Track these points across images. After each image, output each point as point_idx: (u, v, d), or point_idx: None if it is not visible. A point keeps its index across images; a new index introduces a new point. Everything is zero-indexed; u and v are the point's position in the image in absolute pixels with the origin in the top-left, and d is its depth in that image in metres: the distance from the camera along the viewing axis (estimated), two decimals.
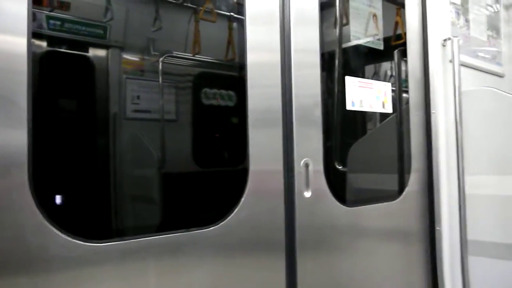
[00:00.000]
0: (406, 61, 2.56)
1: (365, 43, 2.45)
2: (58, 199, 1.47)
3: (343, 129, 2.34)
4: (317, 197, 2.00)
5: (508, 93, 2.61)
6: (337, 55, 2.32)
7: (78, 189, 1.65)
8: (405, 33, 2.56)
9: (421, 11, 2.64)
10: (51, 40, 1.61)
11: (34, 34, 1.37)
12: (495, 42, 3.20)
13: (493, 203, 2.59)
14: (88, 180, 1.70)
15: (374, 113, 2.51)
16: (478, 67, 2.94)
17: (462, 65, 2.64)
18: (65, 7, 1.60)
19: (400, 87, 2.59)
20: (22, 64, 1.30)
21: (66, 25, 1.63)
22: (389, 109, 2.44)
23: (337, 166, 2.32)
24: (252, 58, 1.84)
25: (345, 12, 2.34)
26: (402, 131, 2.54)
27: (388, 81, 2.54)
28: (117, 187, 1.76)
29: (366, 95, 2.31)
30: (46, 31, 1.57)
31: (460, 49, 2.61)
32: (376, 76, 2.65)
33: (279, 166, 1.91)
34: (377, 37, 2.49)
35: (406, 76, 2.56)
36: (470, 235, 2.55)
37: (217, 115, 2.13)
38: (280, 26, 1.95)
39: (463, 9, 2.89)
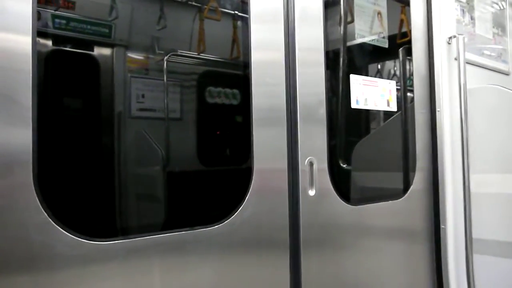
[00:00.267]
0: (411, 59, 2.55)
1: (369, 41, 2.44)
2: (62, 197, 1.48)
3: (348, 127, 2.34)
4: (322, 195, 2.00)
5: None
6: (341, 53, 2.32)
7: (83, 188, 1.65)
8: (410, 31, 2.55)
9: (426, 8, 2.63)
10: (56, 39, 1.61)
11: (39, 32, 1.37)
12: (500, 40, 3.18)
13: (499, 202, 2.58)
14: (93, 179, 1.71)
15: (379, 111, 2.50)
16: (483, 64, 2.93)
17: (467, 63, 2.63)
18: (70, 5, 1.60)
19: (405, 85, 2.59)
20: (26, 63, 1.31)
21: (71, 23, 1.63)
22: (394, 107, 2.44)
23: (342, 165, 2.32)
24: (257, 56, 1.84)
25: (349, 10, 2.33)
26: (407, 129, 2.54)
27: (393, 79, 2.53)
28: (122, 185, 1.77)
29: (371, 93, 2.30)
30: (50, 30, 1.58)
31: (465, 46, 2.60)
32: (380, 74, 2.64)
33: (283, 164, 1.91)
34: (382, 35, 2.48)
35: (411, 74, 2.55)
36: (475, 234, 2.54)
37: (222, 113, 2.13)
38: (285, 25, 1.95)
39: (468, 7, 2.88)
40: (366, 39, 2.42)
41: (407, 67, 2.59)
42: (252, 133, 1.81)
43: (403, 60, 2.60)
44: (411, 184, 2.50)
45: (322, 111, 2.04)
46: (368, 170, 2.47)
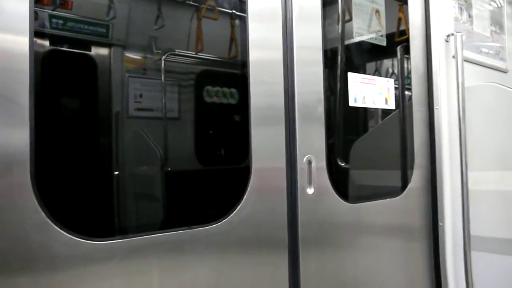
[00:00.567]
0: (409, 57, 2.55)
1: (368, 39, 2.44)
2: (60, 197, 1.48)
3: (346, 125, 2.34)
4: (320, 194, 2.00)
5: (511, 88, 2.60)
6: (339, 52, 2.32)
7: (81, 187, 1.65)
8: (408, 29, 2.55)
9: (424, 6, 2.63)
10: (53, 39, 1.61)
11: (36, 33, 1.37)
12: (498, 38, 3.18)
13: (497, 199, 2.59)
14: (91, 178, 1.71)
15: (377, 109, 2.50)
16: (481, 62, 2.93)
17: (465, 60, 2.63)
18: (67, 5, 1.60)
19: (403, 83, 2.59)
20: (24, 63, 1.31)
21: (69, 23, 1.63)
22: (392, 105, 2.44)
23: (340, 163, 2.32)
24: (255, 55, 1.84)
25: (347, 9, 2.33)
26: (405, 127, 2.54)
27: (391, 77, 2.53)
28: (120, 185, 1.77)
29: (369, 91, 2.30)
30: (48, 30, 1.57)
31: (463, 44, 2.60)
32: (379, 72, 2.64)
33: (281, 163, 1.91)
34: (380, 33, 2.48)
35: (409, 72, 2.56)
36: (473, 231, 2.55)
37: (220, 113, 2.13)
38: (283, 23, 1.95)
39: (466, 5, 2.88)
40: (364, 38, 2.42)
41: (405, 65, 2.59)
42: (251, 132, 1.81)
43: (401, 58, 2.60)
44: (409, 182, 2.51)
45: (321, 109, 2.04)
46: (366, 168, 2.48)
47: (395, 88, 2.48)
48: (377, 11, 2.44)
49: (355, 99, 2.24)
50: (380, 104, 2.38)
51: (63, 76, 1.67)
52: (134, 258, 1.49)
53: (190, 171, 2.01)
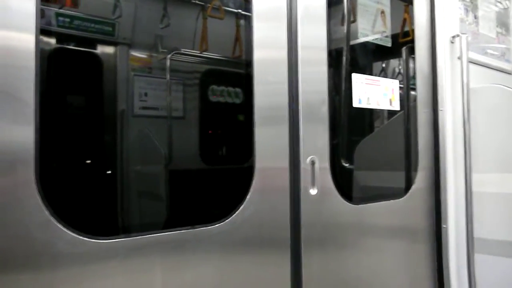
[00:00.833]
0: (414, 58, 2.55)
1: (372, 40, 2.43)
2: (64, 195, 1.48)
3: (350, 126, 2.33)
4: (323, 194, 2.00)
5: None
6: (344, 52, 2.31)
7: (84, 186, 1.66)
8: (413, 30, 2.54)
9: (429, 7, 2.62)
10: (59, 37, 1.62)
11: (42, 31, 1.37)
12: (504, 39, 3.17)
13: (500, 201, 2.58)
14: (95, 177, 1.71)
15: (381, 110, 2.49)
16: (486, 64, 2.92)
17: (470, 62, 2.62)
18: (73, 4, 1.60)
19: (408, 84, 2.58)
20: (29, 61, 1.31)
21: (75, 22, 1.63)
22: (396, 106, 2.43)
23: (344, 164, 2.32)
24: (259, 55, 1.84)
25: (352, 9, 2.33)
26: (409, 129, 2.53)
27: (396, 78, 2.52)
28: (123, 183, 1.77)
29: (373, 92, 2.30)
30: (54, 28, 1.58)
31: (468, 46, 2.59)
32: (383, 73, 2.64)
33: (285, 163, 1.91)
34: (385, 34, 2.47)
35: (414, 73, 2.55)
36: (477, 233, 2.54)
37: (224, 112, 2.13)
38: (287, 23, 1.95)
39: (472, 6, 2.87)
40: (369, 38, 2.42)
41: (410, 66, 2.58)
42: (254, 132, 1.81)
43: (406, 59, 2.59)
44: (413, 183, 2.50)
45: (324, 109, 2.04)
46: (370, 169, 2.47)
47: (400, 89, 2.47)
48: (382, 12, 2.44)
49: (359, 100, 2.24)
50: (384, 105, 2.38)
51: (68, 74, 1.67)
52: (137, 257, 1.49)
53: (194, 170, 2.01)
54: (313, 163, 1.97)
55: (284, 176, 1.91)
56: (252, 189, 1.79)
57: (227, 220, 1.72)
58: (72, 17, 1.62)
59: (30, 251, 1.29)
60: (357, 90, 2.22)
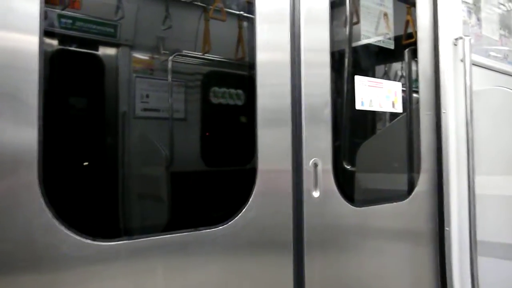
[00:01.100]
0: (416, 61, 2.54)
1: (375, 42, 2.43)
2: (67, 198, 1.48)
3: (353, 128, 2.33)
4: (326, 197, 1.99)
5: None
6: (347, 54, 2.31)
7: (87, 188, 1.65)
8: (416, 32, 2.54)
9: (432, 9, 2.62)
10: (62, 39, 1.62)
11: (46, 32, 1.37)
12: (507, 41, 3.17)
13: (504, 204, 2.57)
14: (97, 179, 1.71)
15: (384, 112, 2.49)
16: (489, 66, 2.91)
17: (473, 64, 2.61)
18: (76, 5, 1.60)
19: (411, 86, 2.58)
20: (33, 63, 1.31)
21: (77, 23, 1.63)
22: (399, 108, 2.43)
23: (346, 166, 2.31)
24: (262, 57, 1.84)
25: (355, 11, 2.32)
26: (412, 131, 2.53)
27: (399, 81, 2.52)
28: (126, 186, 1.77)
29: (376, 94, 2.29)
30: (57, 30, 1.58)
31: (471, 48, 2.59)
32: (386, 75, 2.63)
33: (287, 165, 1.90)
34: (388, 36, 2.47)
35: (417, 75, 2.54)
36: (480, 236, 2.53)
37: (226, 114, 2.13)
38: (290, 25, 1.94)
39: (475, 8, 2.86)
40: (372, 40, 2.41)
41: (413, 68, 2.58)
42: (257, 134, 1.81)
43: (408, 61, 2.59)
44: (416, 186, 2.50)
45: (327, 112, 2.03)
46: (372, 171, 2.47)
47: (403, 91, 2.47)
48: (385, 14, 2.44)
49: (362, 102, 2.23)
50: (387, 108, 2.37)
51: (71, 75, 1.67)
52: (139, 260, 1.49)
53: (196, 172, 2.01)
54: (315, 165, 1.96)
55: (286, 178, 1.90)
56: (254, 192, 1.78)
57: (230, 223, 1.71)
58: (75, 19, 1.62)
59: (33, 254, 1.29)
60: (359, 92, 2.22)
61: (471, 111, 2.54)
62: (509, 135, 2.55)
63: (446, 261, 2.57)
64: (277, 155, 1.88)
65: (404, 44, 2.58)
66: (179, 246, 1.59)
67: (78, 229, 1.36)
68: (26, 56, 1.30)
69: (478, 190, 2.53)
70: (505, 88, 2.65)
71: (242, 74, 2.08)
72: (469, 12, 2.81)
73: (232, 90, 2.10)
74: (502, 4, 3.17)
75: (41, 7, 1.33)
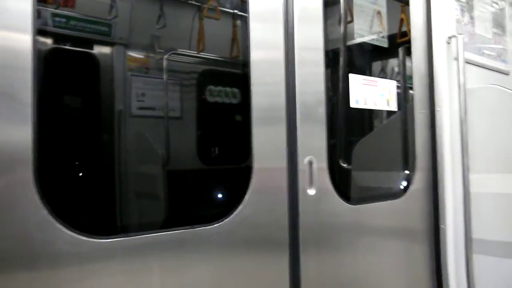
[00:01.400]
0: (410, 59, 2.55)
1: (369, 40, 2.44)
2: (62, 195, 1.48)
3: (347, 126, 2.33)
4: (321, 195, 2.00)
5: None
6: (341, 53, 2.32)
7: (83, 185, 1.65)
8: (409, 31, 2.55)
9: (425, 8, 2.63)
10: (56, 38, 1.62)
11: (39, 31, 1.37)
12: (500, 40, 3.18)
13: (498, 201, 2.58)
14: (92, 176, 1.71)
15: (379, 110, 2.50)
16: (483, 64, 2.93)
17: (467, 62, 2.63)
18: (69, 4, 1.61)
19: (405, 84, 2.59)
20: (26, 61, 1.31)
21: (71, 22, 1.63)
22: (393, 107, 2.44)
23: (341, 164, 2.32)
24: (256, 55, 1.84)
25: (349, 10, 2.33)
26: (407, 129, 2.54)
27: (393, 79, 2.53)
28: (122, 183, 1.77)
29: (370, 93, 2.30)
30: (50, 29, 1.58)
31: (465, 46, 2.60)
32: (380, 73, 2.64)
33: (282, 164, 1.91)
34: (381, 34, 2.48)
35: (411, 73, 2.55)
36: (475, 234, 2.54)
37: (221, 112, 2.13)
38: (284, 24, 1.95)
39: (468, 6, 2.88)
40: (366, 39, 2.42)
41: (407, 66, 2.59)
42: (252, 132, 1.81)
43: (402, 59, 2.60)
44: (411, 184, 2.50)
45: (322, 110, 2.04)
46: (367, 169, 2.47)
47: (397, 89, 2.48)
48: (379, 12, 2.45)
49: (356, 100, 2.24)
50: (381, 106, 2.38)
51: (65, 74, 1.67)
52: (135, 257, 1.49)
53: (192, 170, 2.01)
54: (311, 163, 1.97)
55: (282, 176, 1.90)
56: (250, 190, 1.79)
57: (225, 220, 1.71)
58: (68, 18, 1.62)
59: (29, 251, 1.29)
60: (354, 91, 2.23)
61: (465, 109, 2.55)
62: (503, 132, 2.56)
63: (442, 259, 2.57)
64: (272, 153, 1.88)
65: (398, 43, 2.59)
66: (175, 243, 1.59)
67: (74, 226, 1.36)
68: (19, 55, 1.30)
69: (473, 188, 2.54)
70: (499, 86, 2.66)
71: (236, 73, 2.09)
72: (462, 11, 2.83)
73: (227, 89, 2.10)
74: (494, 2, 3.19)
75: (33, 6, 1.33)
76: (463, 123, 2.55)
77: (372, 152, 2.51)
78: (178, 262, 1.60)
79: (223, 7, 1.97)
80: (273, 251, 1.87)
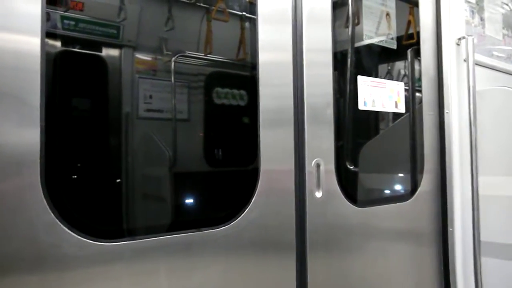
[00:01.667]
0: (419, 60, 2.54)
1: (378, 42, 2.43)
2: (69, 198, 1.48)
3: (355, 129, 2.33)
4: (328, 197, 1.99)
5: None
6: (349, 55, 2.31)
7: (90, 188, 1.66)
8: (418, 32, 2.54)
9: (435, 9, 2.61)
10: (65, 40, 1.62)
11: (48, 34, 1.38)
12: (510, 41, 3.16)
13: (507, 204, 2.56)
14: (100, 179, 1.71)
15: (387, 112, 2.49)
16: (493, 66, 2.90)
17: (476, 64, 2.61)
18: (79, 7, 1.61)
19: (414, 86, 2.57)
20: (35, 64, 1.32)
21: (80, 25, 1.64)
22: (402, 109, 2.42)
23: (349, 166, 2.31)
24: (264, 57, 1.84)
25: (357, 11, 2.32)
26: (415, 131, 2.52)
27: (401, 81, 2.51)
28: (129, 186, 1.77)
29: (379, 94, 2.29)
30: (59, 31, 1.58)
31: (474, 48, 2.58)
32: (389, 75, 2.63)
33: (290, 166, 1.90)
34: (390, 36, 2.46)
35: (420, 75, 2.54)
36: (483, 236, 2.52)
37: (229, 114, 2.13)
38: (293, 25, 1.95)
39: (478, 8, 2.86)
40: (374, 40, 2.41)
41: (416, 68, 2.57)
42: (259, 134, 1.81)
43: (411, 61, 2.58)
44: (419, 186, 2.49)
45: (330, 112, 2.03)
46: (375, 172, 2.46)
47: (405, 91, 2.46)
48: (388, 14, 2.43)
49: (364, 102, 2.23)
50: (390, 108, 2.37)
51: (74, 76, 1.68)
52: (142, 260, 1.49)
53: (199, 173, 2.01)
54: (318, 165, 1.96)
55: (289, 178, 1.90)
56: (257, 192, 1.78)
57: (232, 223, 1.71)
58: (77, 20, 1.63)
59: (36, 254, 1.29)
60: (362, 93, 2.22)
61: (475, 111, 2.53)
62: None
63: (450, 261, 2.56)
64: (280, 156, 1.88)
65: (407, 44, 2.57)
66: (182, 246, 1.59)
67: (81, 229, 1.36)
68: (28, 58, 1.31)
69: (481, 191, 2.52)
70: (509, 88, 2.64)
71: (244, 75, 2.08)
72: (472, 12, 2.81)
73: (235, 91, 2.09)
74: (505, 4, 3.16)
75: (42, 9, 1.33)
76: (472, 125, 2.53)
77: (380, 155, 2.50)
78: (185, 265, 1.60)
79: (232, 9, 1.97)
80: (280, 254, 1.87)
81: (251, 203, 1.77)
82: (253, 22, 1.85)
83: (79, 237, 1.36)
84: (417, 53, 2.54)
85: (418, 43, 2.54)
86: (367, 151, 2.43)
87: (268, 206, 1.82)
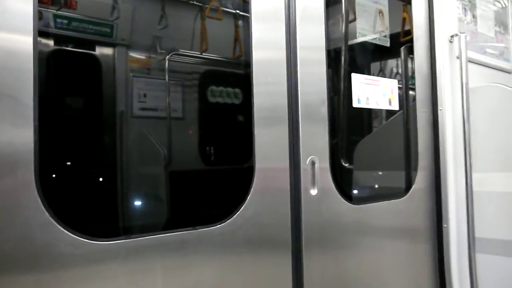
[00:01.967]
0: (412, 58, 2.55)
1: (371, 40, 2.43)
2: (64, 197, 1.48)
3: (350, 126, 2.33)
4: (323, 195, 2.00)
5: None
6: (343, 52, 2.31)
7: (85, 187, 1.65)
8: (411, 30, 2.55)
9: (427, 7, 2.63)
10: (57, 39, 1.61)
11: (40, 32, 1.37)
12: (502, 38, 3.18)
13: (501, 201, 2.58)
14: (95, 178, 1.71)
15: (381, 110, 2.49)
16: (485, 63, 2.92)
17: (469, 61, 2.62)
18: (71, 5, 1.60)
19: (407, 84, 2.58)
20: (28, 63, 1.31)
21: (73, 23, 1.63)
22: (395, 106, 2.43)
23: (344, 164, 2.31)
24: (258, 55, 1.84)
25: (351, 9, 2.33)
26: (409, 129, 2.53)
27: (395, 78, 2.52)
28: (123, 185, 1.76)
29: (373, 92, 2.30)
30: (52, 30, 1.57)
31: (467, 45, 2.59)
32: (382, 73, 2.64)
33: (285, 164, 1.90)
34: (384, 33, 2.47)
35: (413, 73, 2.55)
36: (478, 233, 2.53)
37: (224, 113, 2.13)
38: (286, 23, 1.95)
39: (470, 5, 2.87)
40: (368, 38, 2.42)
41: (409, 65, 2.58)
42: (254, 132, 1.81)
43: (404, 59, 2.59)
44: (413, 183, 2.50)
45: (324, 110, 2.04)
46: (370, 169, 2.47)
47: (399, 88, 2.47)
48: (381, 11, 2.44)
49: (358, 99, 2.24)
50: (383, 105, 2.37)
51: (67, 75, 1.67)
52: (138, 258, 1.49)
53: (194, 171, 2.01)
54: (313, 163, 1.97)
55: (284, 176, 1.90)
56: (252, 190, 1.79)
57: (228, 221, 1.71)
58: (70, 19, 1.62)
59: (31, 253, 1.29)
60: (356, 90, 2.22)
61: (468, 108, 2.55)
62: (506, 131, 2.56)
63: (445, 258, 2.57)
64: (274, 154, 1.88)
65: (400, 42, 2.58)
66: (177, 245, 1.59)
67: (76, 228, 1.36)
68: (21, 57, 1.30)
69: (475, 187, 2.53)
70: (502, 85, 2.65)
71: (238, 73, 2.08)
72: (464, 9, 2.82)
73: (229, 89, 2.09)
74: (497, 1, 3.18)
75: (35, 7, 1.33)
76: (465, 122, 2.54)
77: (375, 152, 2.51)
78: (181, 263, 1.60)
79: (225, 7, 1.97)
80: (276, 251, 1.87)
81: (246, 201, 1.77)
82: (247, 21, 1.85)
83: (74, 236, 1.36)
84: (410, 51, 2.55)
85: (411, 40, 2.55)
86: (361, 149, 2.43)
87: (263, 204, 1.82)
